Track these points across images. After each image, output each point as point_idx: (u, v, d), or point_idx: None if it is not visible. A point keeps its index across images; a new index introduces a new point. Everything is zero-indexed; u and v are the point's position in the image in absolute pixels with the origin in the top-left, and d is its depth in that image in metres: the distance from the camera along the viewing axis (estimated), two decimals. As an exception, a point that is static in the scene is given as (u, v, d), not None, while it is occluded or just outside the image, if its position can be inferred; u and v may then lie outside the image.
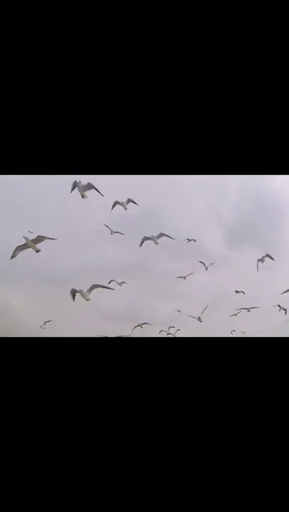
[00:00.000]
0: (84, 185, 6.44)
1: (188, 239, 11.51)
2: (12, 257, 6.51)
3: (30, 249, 6.55)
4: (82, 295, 7.24)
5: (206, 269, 11.20)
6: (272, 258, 9.11)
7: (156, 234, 8.40)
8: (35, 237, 6.45)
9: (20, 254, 6.54)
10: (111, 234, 9.86)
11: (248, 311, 10.35)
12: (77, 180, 6.39)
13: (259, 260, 9.11)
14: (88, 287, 7.21)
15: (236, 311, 10.73)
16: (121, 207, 8.29)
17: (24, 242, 6.46)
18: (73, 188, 6.50)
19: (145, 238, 8.48)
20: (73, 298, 7.31)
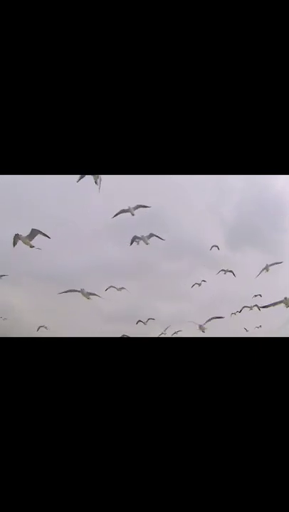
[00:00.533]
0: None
1: (214, 245, 11.47)
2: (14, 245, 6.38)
3: (30, 249, 6.48)
4: (83, 294, 7.10)
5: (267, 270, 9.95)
6: (278, 263, 9.02)
7: (147, 234, 8.14)
8: (29, 232, 6.28)
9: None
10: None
11: (251, 309, 10.34)
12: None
13: (264, 269, 9.06)
14: (86, 289, 7.07)
15: (238, 310, 10.74)
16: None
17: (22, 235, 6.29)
18: (81, 178, 6.15)
19: (135, 238, 8.24)
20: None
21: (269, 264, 9.06)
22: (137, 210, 7.65)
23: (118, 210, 7.65)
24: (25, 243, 6.38)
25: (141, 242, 8.19)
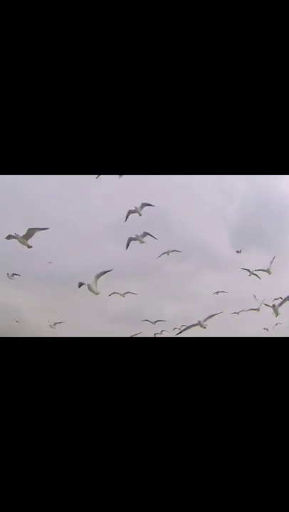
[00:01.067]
0: None
1: (237, 251, 11.47)
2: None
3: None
4: (90, 288, 6.99)
5: None
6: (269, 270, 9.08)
7: (142, 234, 8.02)
8: (25, 232, 6.11)
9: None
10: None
11: (258, 310, 10.30)
12: None
13: (265, 271, 9.08)
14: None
15: (239, 311, 10.72)
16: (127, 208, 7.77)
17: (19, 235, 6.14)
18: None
19: (130, 239, 8.13)
20: (79, 286, 7.01)
21: (265, 269, 9.10)
22: (141, 212, 7.63)
23: (119, 212, 7.67)
24: (22, 243, 6.24)
25: (141, 242, 8.15)
